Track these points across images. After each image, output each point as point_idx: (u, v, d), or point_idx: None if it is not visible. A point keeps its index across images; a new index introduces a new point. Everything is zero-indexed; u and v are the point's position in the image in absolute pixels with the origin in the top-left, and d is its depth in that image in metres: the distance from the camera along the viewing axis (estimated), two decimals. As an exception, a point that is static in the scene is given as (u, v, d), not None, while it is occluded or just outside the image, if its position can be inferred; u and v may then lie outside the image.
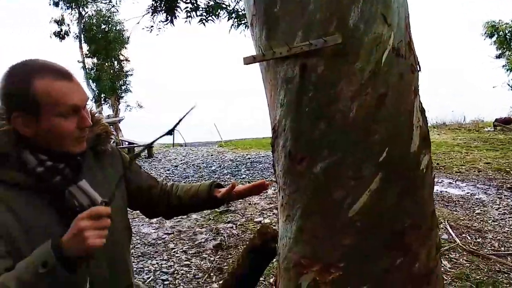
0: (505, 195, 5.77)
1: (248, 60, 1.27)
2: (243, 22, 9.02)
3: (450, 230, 4.33)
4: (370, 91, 1.15)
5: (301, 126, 1.21)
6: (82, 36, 16.42)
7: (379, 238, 1.22)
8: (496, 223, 4.65)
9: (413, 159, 1.24)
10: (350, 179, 1.19)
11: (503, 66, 15.35)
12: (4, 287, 0.90)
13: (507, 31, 14.27)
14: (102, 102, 16.95)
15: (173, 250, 4.34)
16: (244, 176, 8.50)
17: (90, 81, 16.47)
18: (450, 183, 6.64)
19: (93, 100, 16.53)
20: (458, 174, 7.24)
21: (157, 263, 3.96)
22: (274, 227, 1.69)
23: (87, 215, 0.96)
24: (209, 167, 9.83)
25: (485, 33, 14.71)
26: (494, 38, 14.74)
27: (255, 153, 11.69)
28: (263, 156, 10.79)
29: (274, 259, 1.65)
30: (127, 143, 13.15)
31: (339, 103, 1.16)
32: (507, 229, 4.46)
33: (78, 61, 16.46)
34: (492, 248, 3.94)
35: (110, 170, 1.25)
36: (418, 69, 1.33)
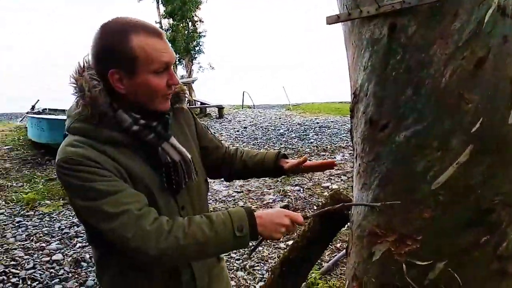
0: None
1: (332, 20, 1.21)
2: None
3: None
4: (467, 54, 1.05)
5: (385, 91, 1.15)
6: (159, -4, 16.85)
7: (464, 214, 1.14)
8: None
9: (510, 132, 1.13)
10: (436, 150, 1.11)
11: None
12: (202, 231, 1.02)
13: None
14: (177, 62, 17.49)
15: (242, 208, 4.50)
16: (312, 140, 8.44)
17: (166, 41, 16.98)
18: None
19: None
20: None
21: (226, 219, 4.14)
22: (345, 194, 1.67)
23: (293, 217, 1.12)
24: (277, 130, 9.89)
25: None
26: None
27: (323, 117, 11.50)
28: (332, 121, 10.59)
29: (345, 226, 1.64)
30: (199, 103, 13.59)
31: (430, 68, 1.07)
32: None
33: (155, 21, 17.01)
34: None
35: (185, 127, 1.30)
36: (525, 30, 1.18)
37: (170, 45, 1.07)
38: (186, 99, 1.28)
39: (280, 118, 11.95)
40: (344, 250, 3.23)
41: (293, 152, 7.46)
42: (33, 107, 10.49)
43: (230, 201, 4.81)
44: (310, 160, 1.46)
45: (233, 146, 7.11)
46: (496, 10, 1.04)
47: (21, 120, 11.04)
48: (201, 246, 1.02)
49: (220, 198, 4.90)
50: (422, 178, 1.14)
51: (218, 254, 1.22)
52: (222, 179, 1.60)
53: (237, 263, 3.36)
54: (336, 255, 3.28)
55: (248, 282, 3.09)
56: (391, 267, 1.21)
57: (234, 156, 1.50)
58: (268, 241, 3.64)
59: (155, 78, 1.02)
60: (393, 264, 1.21)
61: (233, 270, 3.25)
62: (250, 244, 1.11)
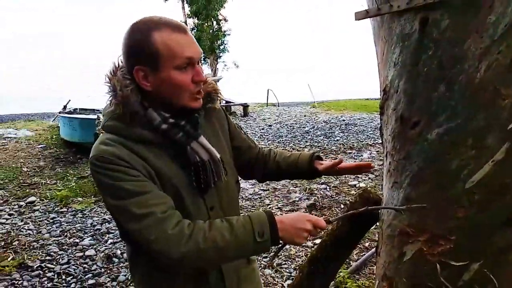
0: None
1: (360, 16, 1.19)
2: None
3: None
4: (503, 49, 1.01)
5: (416, 88, 1.12)
6: (184, -3, 17.05)
7: (499, 213, 1.10)
8: None
9: (550, 128, 1.08)
10: (471, 148, 1.08)
11: None
12: (222, 236, 1.03)
13: None
14: (202, 62, 17.66)
15: (269, 206, 4.52)
16: (338, 138, 8.35)
17: (191, 41, 17.20)
18: None
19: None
20: None
21: (253, 217, 4.16)
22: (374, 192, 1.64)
23: (314, 222, 1.09)
24: (303, 127, 9.83)
25: None
26: None
27: (349, 115, 11.36)
28: (358, 118, 10.44)
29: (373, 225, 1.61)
30: (224, 101, 13.67)
31: (464, 63, 1.04)
32: None
33: (180, 21, 17.23)
34: None
35: (217, 127, 1.29)
36: None
37: (195, 41, 1.07)
38: (219, 98, 1.27)
39: (305, 116, 11.88)
40: (373, 249, 3.19)
41: (318, 150, 7.40)
42: (64, 107, 10.84)
43: (256, 199, 4.82)
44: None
45: (258, 144, 7.13)
46: (534, 2, 1.00)
47: (53, 120, 11.43)
48: (220, 250, 1.02)
49: (246, 196, 4.92)
50: (456, 176, 1.11)
51: (239, 258, 1.22)
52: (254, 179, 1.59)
53: (264, 261, 3.37)
54: (364, 254, 3.24)
55: (276, 280, 3.09)
56: (423, 267, 1.18)
57: (268, 157, 1.49)
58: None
59: (179, 74, 1.02)
60: (425, 264, 1.18)
61: (260, 268, 3.26)
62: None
